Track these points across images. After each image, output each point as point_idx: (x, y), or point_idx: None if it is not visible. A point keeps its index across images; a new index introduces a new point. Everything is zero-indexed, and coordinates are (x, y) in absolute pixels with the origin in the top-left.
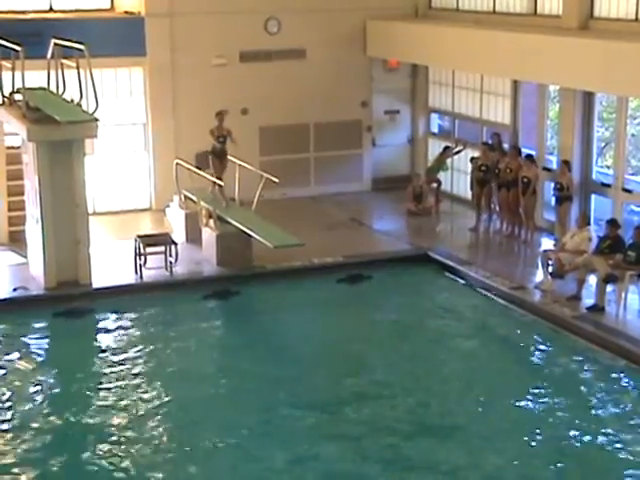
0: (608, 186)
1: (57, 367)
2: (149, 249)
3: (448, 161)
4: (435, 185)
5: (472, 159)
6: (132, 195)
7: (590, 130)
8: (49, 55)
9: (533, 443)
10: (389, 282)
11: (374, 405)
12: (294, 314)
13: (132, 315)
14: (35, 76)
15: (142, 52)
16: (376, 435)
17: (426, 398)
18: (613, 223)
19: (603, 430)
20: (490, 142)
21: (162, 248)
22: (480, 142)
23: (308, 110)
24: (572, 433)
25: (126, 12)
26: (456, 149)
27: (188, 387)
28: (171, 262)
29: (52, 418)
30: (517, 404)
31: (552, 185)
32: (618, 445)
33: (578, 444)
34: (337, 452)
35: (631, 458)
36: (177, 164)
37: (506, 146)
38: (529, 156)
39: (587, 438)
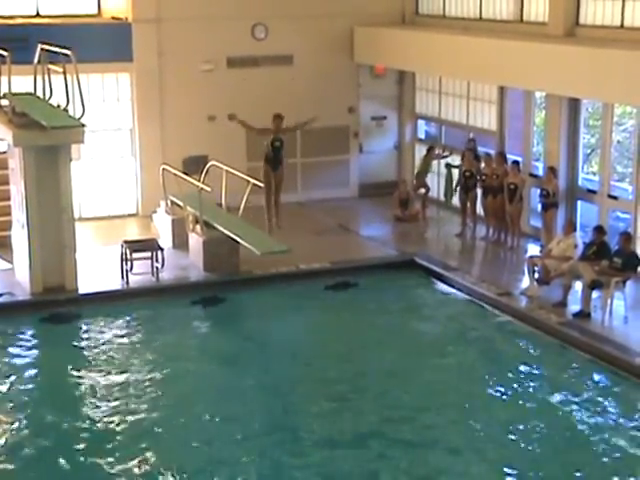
0: (594, 192)
1: (43, 373)
2: (135, 255)
3: (434, 164)
4: (423, 191)
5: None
6: (119, 200)
7: (576, 137)
8: (36, 60)
9: (513, 447)
10: (375, 288)
11: (357, 410)
12: (281, 320)
13: (118, 321)
14: (22, 81)
15: (129, 58)
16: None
17: (407, 405)
18: (599, 229)
19: (587, 436)
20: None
21: (148, 254)
22: (465, 148)
23: (295, 116)
24: (554, 440)
25: (113, 18)
26: (443, 154)
27: (174, 393)
28: (157, 268)
29: (36, 424)
30: (500, 409)
31: (538, 191)
32: (603, 452)
33: (562, 450)
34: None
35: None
36: (164, 170)
37: (492, 152)
38: (515, 162)
39: (571, 444)
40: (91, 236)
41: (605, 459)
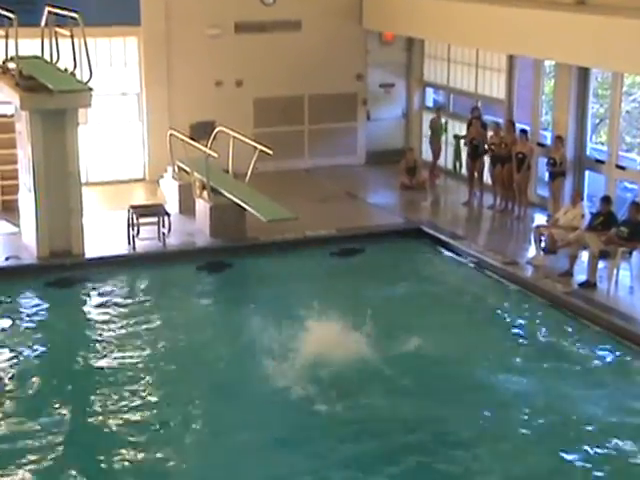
0: (602, 162)
1: (48, 337)
2: (142, 220)
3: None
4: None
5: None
6: (126, 165)
7: (585, 106)
8: (43, 23)
9: (517, 418)
10: (382, 255)
11: (361, 375)
12: (286, 286)
13: (124, 286)
14: (29, 44)
15: (137, 21)
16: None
17: (413, 372)
18: (606, 199)
19: (588, 406)
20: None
21: (155, 219)
22: (472, 117)
23: (303, 82)
24: (555, 408)
25: None
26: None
27: (178, 358)
28: (164, 233)
29: (42, 387)
30: (504, 377)
31: (545, 161)
32: (598, 422)
33: (560, 420)
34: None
35: (608, 431)
36: (171, 135)
37: (500, 121)
38: (523, 131)
39: (570, 415)
40: (98, 201)
41: (602, 427)
